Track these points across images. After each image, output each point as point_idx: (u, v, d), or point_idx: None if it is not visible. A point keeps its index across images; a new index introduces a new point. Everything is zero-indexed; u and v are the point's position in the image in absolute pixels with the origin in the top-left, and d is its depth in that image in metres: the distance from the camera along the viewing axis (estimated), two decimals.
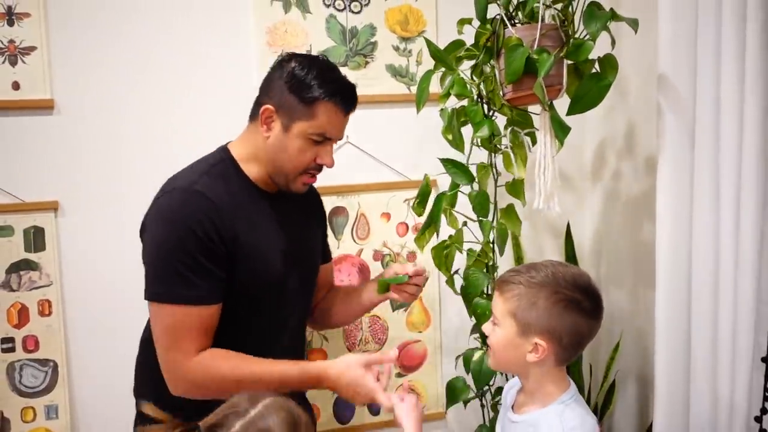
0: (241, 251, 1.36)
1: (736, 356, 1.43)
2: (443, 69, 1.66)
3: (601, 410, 1.95)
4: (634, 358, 2.01)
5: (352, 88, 1.41)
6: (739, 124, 1.38)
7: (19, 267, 1.71)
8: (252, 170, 1.42)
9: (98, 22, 1.75)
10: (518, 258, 2.05)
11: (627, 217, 2.04)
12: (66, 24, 1.72)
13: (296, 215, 1.51)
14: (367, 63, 1.96)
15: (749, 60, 1.34)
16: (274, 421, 1.03)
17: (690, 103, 1.48)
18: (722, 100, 1.40)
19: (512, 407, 1.34)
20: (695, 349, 1.51)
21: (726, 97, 1.39)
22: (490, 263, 1.74)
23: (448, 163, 1.68)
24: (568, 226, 2.05)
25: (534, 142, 1.67)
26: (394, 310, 2.03)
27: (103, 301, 1.78)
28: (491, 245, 1.71)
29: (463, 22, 1.64)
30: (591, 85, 1.43)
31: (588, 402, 1.86)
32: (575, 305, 1.22)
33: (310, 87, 1.35)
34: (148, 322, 1.43)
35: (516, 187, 1.71)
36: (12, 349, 1.72)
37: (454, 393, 1.78)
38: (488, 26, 1.57)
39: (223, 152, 1.44)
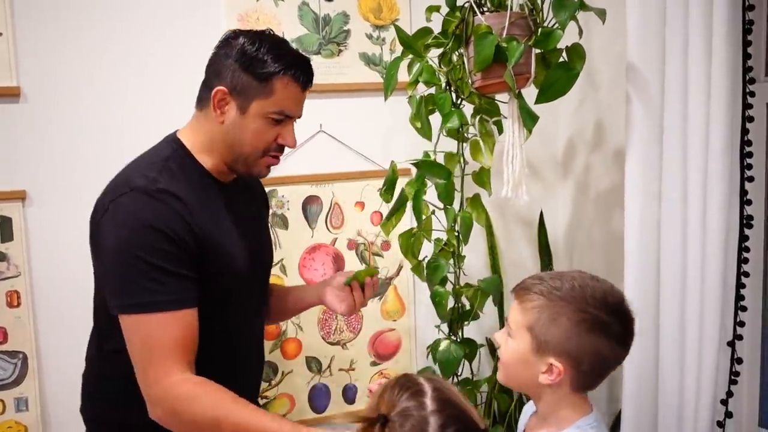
0: (210, 248, 1.27)
1: (702, 341, 1.46)
2: (412, 56, 1.65)
3: None
4: None
5: (307, 61, 1.32)
6: (706, 113, 1.40)
7: None
8: (207, 160, 1.33)
9: (65, 8, 1.71)
10: (491, 247, 2.07)
11: (598, 206, 2.06)
12: (32, 9, 1.68)
13: (248, 206, 1.45)
14: (340, 51, 1.95)
15: (716, 49, 1.36)
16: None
17: (658, 93, 1.50)
18: (690, 89, 1.43)
19: (524, 431, 1.22)
20: (663, 334, 1.54)
21: (693, 86, 1.42)
22: (455, 252, 1.75)
23: (423, 164, 1.65)
24: (541, 215, 2.07)
25: (501, 130, 1.68)
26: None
27: (72, 292, 1.75)
28: (455, 234, 1.72)
29: (431, 9, 1.64)
30: (559, 74, 1.45)
31: None
32: (602, 328, 1.08)
33: (264, 62, 1.25)
34: (91, 337, 1.40)
35: (482, 177, 1.72)
36: None
37: None
38: (457, 14, 1.57)
39: (174, 143, 1.33)
